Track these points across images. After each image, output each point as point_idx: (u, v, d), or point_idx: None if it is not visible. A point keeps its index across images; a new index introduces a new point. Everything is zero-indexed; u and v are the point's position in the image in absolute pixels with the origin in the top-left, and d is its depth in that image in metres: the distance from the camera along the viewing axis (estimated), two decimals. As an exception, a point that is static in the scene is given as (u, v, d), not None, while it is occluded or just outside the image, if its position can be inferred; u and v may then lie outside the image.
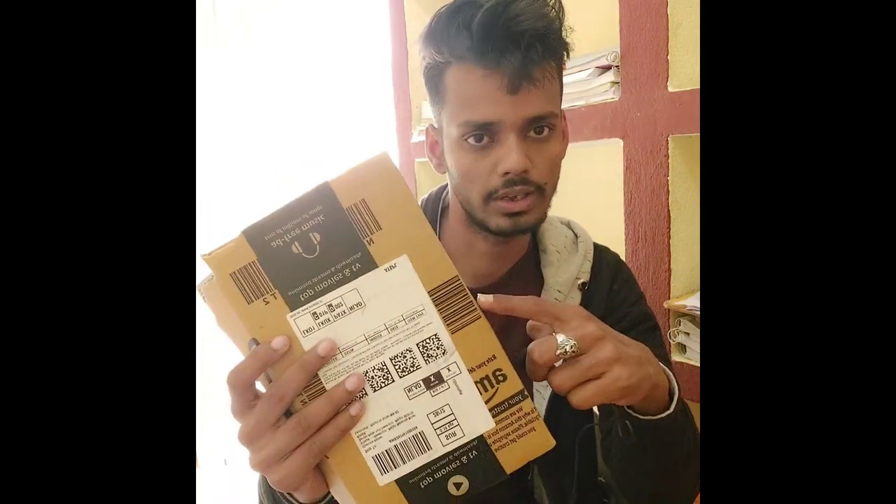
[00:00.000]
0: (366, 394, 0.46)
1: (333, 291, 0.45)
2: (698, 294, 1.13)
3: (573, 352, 0.49)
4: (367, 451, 0.46)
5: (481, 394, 0.47)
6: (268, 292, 0.44)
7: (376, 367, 0.46)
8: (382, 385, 0.46)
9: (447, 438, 0.47)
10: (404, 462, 0.47)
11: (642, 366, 0.53)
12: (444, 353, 0.46)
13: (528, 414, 0.48)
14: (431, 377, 0.46)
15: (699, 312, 1.08)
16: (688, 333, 1.15)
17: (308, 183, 0.44)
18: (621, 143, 1.20)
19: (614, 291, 0.80)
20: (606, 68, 1.24)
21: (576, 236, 0.82)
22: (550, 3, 0.65)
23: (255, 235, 0.44)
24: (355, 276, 0.45)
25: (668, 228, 1.15)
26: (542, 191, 0.68)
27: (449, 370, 0.47)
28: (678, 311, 1.15)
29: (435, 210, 0.80)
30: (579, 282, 0.78)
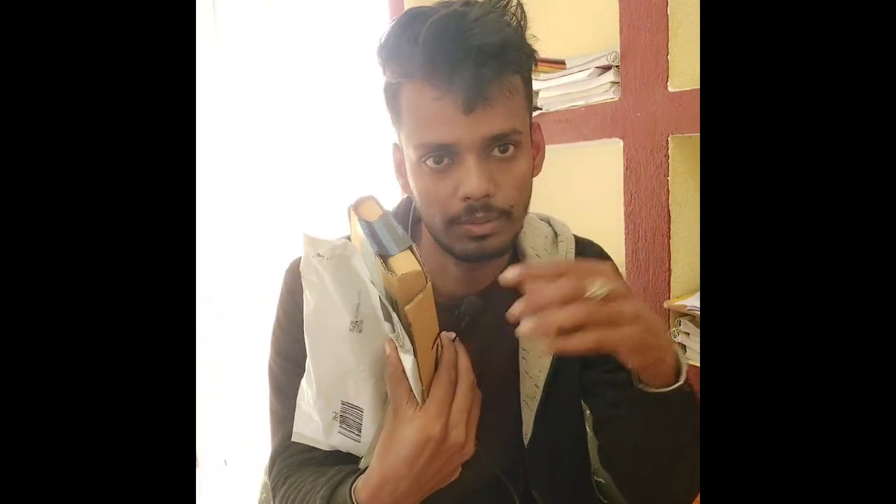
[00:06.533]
0: None
1: None
2: (698, 294, 1.14)
3: (602, 294, 0.48)
4: None
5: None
6: None
7: None
8: None
9: None
10: None
11: (654, 334, 0.52)
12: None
13: None
14: None
15: (699, 312, 1.08)
16: (688, 333, 1.15)
17: (307, 183, 0.44)
18: (621, 143, 1.21)
19: None
20: (606, 68, 1.24)
21: (556, 234, 0.77)
22: (511, 12, 0.59)
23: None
24: None
25: (668, 228, 1.15)
26: (509, 215, 0.62)
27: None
28: (678, 311, 1.16)
29: (405, 223, 0.74)
30: None
